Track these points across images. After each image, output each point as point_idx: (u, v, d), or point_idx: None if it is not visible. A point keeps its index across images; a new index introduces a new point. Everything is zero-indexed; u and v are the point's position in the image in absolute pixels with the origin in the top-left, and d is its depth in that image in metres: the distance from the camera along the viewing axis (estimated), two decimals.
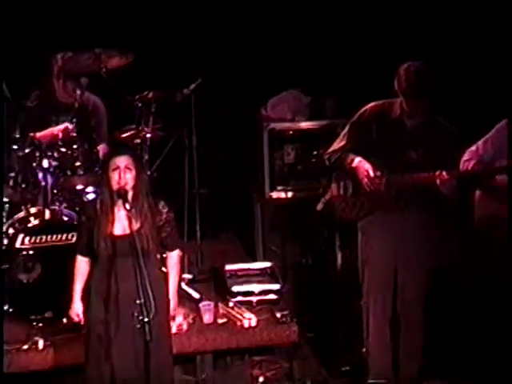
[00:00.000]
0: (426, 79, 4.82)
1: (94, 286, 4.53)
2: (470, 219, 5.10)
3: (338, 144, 5.09)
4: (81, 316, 4.58)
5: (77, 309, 4.58)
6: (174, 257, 4.66)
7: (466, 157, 4.99)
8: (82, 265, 4.58)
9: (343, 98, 6.23)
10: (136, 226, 4.42)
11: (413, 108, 4.88)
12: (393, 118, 4.95)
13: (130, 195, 4.45)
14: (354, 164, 4.99)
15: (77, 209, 5.34)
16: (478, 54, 6.03)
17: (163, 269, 5.54)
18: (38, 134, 5.46)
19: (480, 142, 5.01)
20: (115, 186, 4.44)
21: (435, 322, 5.23)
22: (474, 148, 5.01)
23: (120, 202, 4.45)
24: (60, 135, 5.42)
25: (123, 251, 4.43)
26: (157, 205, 4.54)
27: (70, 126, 5.45)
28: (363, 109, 5.04)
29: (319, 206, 5.19)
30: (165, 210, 4.56)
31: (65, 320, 5.06)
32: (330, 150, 5.10)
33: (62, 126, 5.48)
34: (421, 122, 4.95)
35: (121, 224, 4.47)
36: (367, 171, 4.96)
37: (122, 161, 4.43)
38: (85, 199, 5.44)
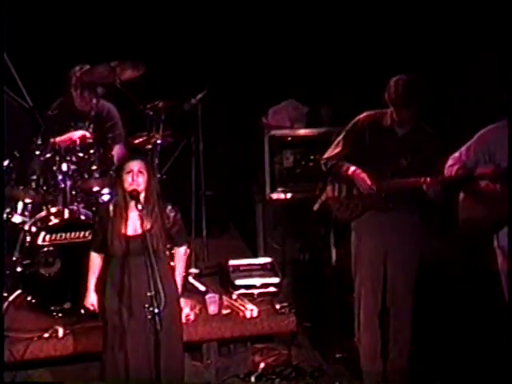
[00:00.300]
0: (413, 90, 4.96)
1: (109, 280, 4.70)
2: (454, 219, 5.16)
3: (333, 150, 5.22)
4: (95, 305, 4.75)
5: (91, 299, 4.76)
6: (181, 251, 4.81)
7: (449, 162, 5.08)
8: (95, 260, 4.76)
9: (337, 108, 6.34)
10: (147, 226, 4.56)
11: (402, 117, 5.04)
12: (384, 127, 5.10)
13: (141, 197, 4.60)
14: (350, 172, 5.14)
15: (93, 209, 5.43)
16: (462, 64, 6.11)
17: (171, 263, 5.82)
18: (58, 139, 5.56)
19: (463, 149, 5.09)
20: (128, 188, 4.58)
21: (423, 316, 5.32)
22: (457, 154, 5.10)
23: (133, 203, 4.59)
24: (78, 141, 5.53)
25: (135, 250, 4.58)
26: (165, 208, 4.69)
27: (88, 134, 5.58)
28: (357, 118, 5.17)
29: (316, 207, 5.30)
30: (172, 214, 4.71)
31: (82, 311, 5.17)
32: (326, 155, 5.24)
33: (80, 133, 5.61)
34: (409, 130, 5.09)
35: (133, 224, 4.63)
36: (363, 179, 5.11)
37: (135, 165, 4.60)
38: (100, 200, 5.56)
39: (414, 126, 5.11)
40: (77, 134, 5.63)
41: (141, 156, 4.79)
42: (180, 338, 4.78)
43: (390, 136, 5.13)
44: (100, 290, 4.77)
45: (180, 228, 4.80)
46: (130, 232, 4.65)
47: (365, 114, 5.20)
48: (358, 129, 5.18)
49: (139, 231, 4.60)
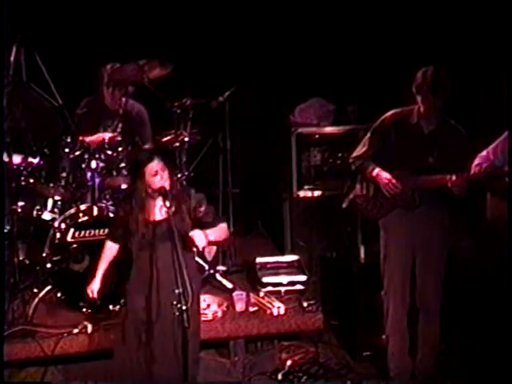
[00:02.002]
0: (441, 78, 4.99)
1: (134, 276, 4.68)
2: (482, 217, 5.21)
3: (360, 149, 5.26)
4: (95, 294, 4.76)
5: (95, 286, 4.78)
6: (222, 225, 4.70)
7: (476, 161, 5.11)
8: (111, 249, 4.78)
9: (364, 105, 6.37)
10: (171, 211, 4.53)
11: (429, 106, 5.02)
12: (411, 124, 5.13)
13: (167, 193, 4.57)
14: (374, 174, 5.18)
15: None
16: (489, 60, 6.15)
17: (197, 258, 5.82)
18: (88, 139, 5.61)
19: (490, 148, 5.13)
20: (157, 186, 4.57)
21: (452, 315, 5.37)
22: (484, 153, 5.14)
23: (160, 197, 4.58)
24: (107, 140, 5.57)
25: (161, 236, 4.57)
26: (189, 197, 4.69)
27: (118, 137, 5.60)
28: (383, 116, 5.20)
29: (344, 204, 5.35)
30: (202, 208, 4.67)
31: (111, 307, 5.30)
32: (354, 154, 5.28)
33: (109, 134, 5.64)
34: (436, 126, 5.10)
35: (159, 210, 4.64)
36: (387, 178, 5.14)
37: (156, 165, 4.59)
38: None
39: (440, 120, 5.12)
40: (107, 136, 5.66)
41: (154, 155, 4.69)
42: (198, 334, 4.74)
43: (417, 133, 5.14)
44: (106, 281, 4.80)
45: (214, 217, 4.75)
46: (156, 217, 4.66)
47: (391, 111, 5.22)
48: (384, 127, 5.20)
49: (164, 216, 4.61)
